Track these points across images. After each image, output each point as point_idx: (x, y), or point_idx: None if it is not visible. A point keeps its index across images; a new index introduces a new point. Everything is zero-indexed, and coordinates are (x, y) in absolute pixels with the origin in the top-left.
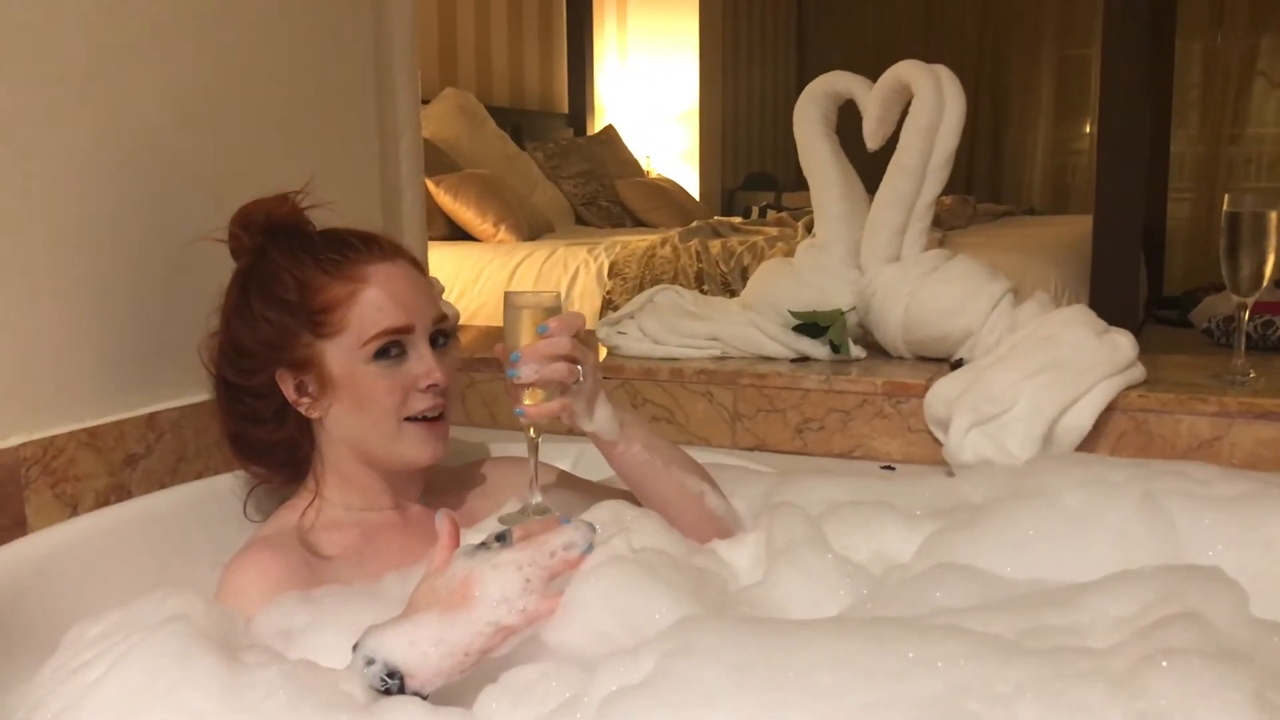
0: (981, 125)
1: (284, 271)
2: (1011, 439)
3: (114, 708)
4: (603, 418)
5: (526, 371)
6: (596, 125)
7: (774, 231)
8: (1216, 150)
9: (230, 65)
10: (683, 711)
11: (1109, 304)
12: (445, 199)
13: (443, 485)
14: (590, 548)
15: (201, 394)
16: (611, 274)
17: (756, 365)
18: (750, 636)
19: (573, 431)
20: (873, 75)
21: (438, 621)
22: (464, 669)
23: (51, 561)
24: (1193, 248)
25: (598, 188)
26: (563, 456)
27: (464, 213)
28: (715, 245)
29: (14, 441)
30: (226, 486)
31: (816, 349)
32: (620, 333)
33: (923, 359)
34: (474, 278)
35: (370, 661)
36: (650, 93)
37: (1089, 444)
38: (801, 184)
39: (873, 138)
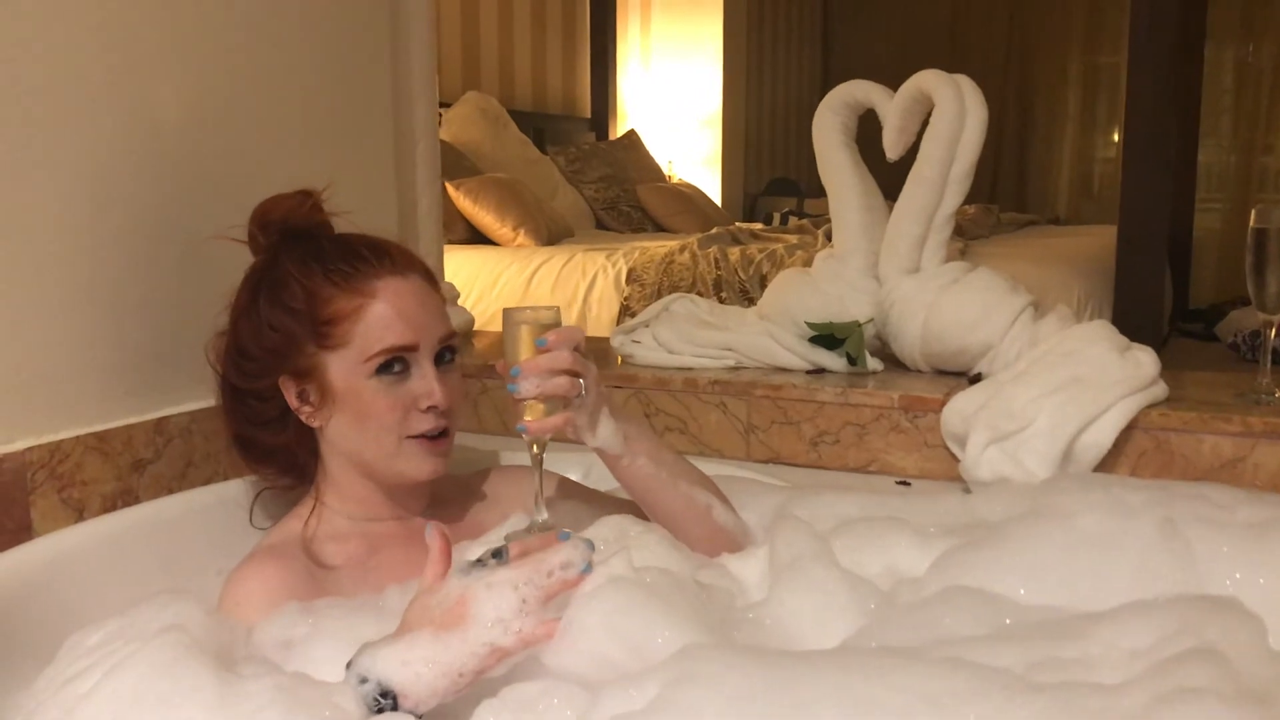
0: (1007, 133)
1: (293, 279)
2: (1030, 456)
3: (103, 718)
4: (606, 431)
5: (527, 386)
6: (619, 130)
7: (794, 239)
8: (1248, 160)
9: (246, 68)
10: None
11: (1132, 316)
12: (465, 203)
13: (449, 496)
14: (589, 567)
15: (211, 399)
16: (629, 280)
17: (771, 376)
18: (754, 667)
19: (578, 443)
20: (898, 83)
21: (431, 641)
22: (458, 690)
23: (56, 567)
24: (1223, 259)
25: (619, 192)
26: (573, 468)
27: (483, 217)
28: (734, 253)
29: (20, 445)
30: (234, 493)
31: (833, 361)
32: (635, 341)
33: (941, 372)
34: (492, 282)
35: (364, 680)
36: (673, 97)
37: (1109, 463)
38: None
39: (893, 148)
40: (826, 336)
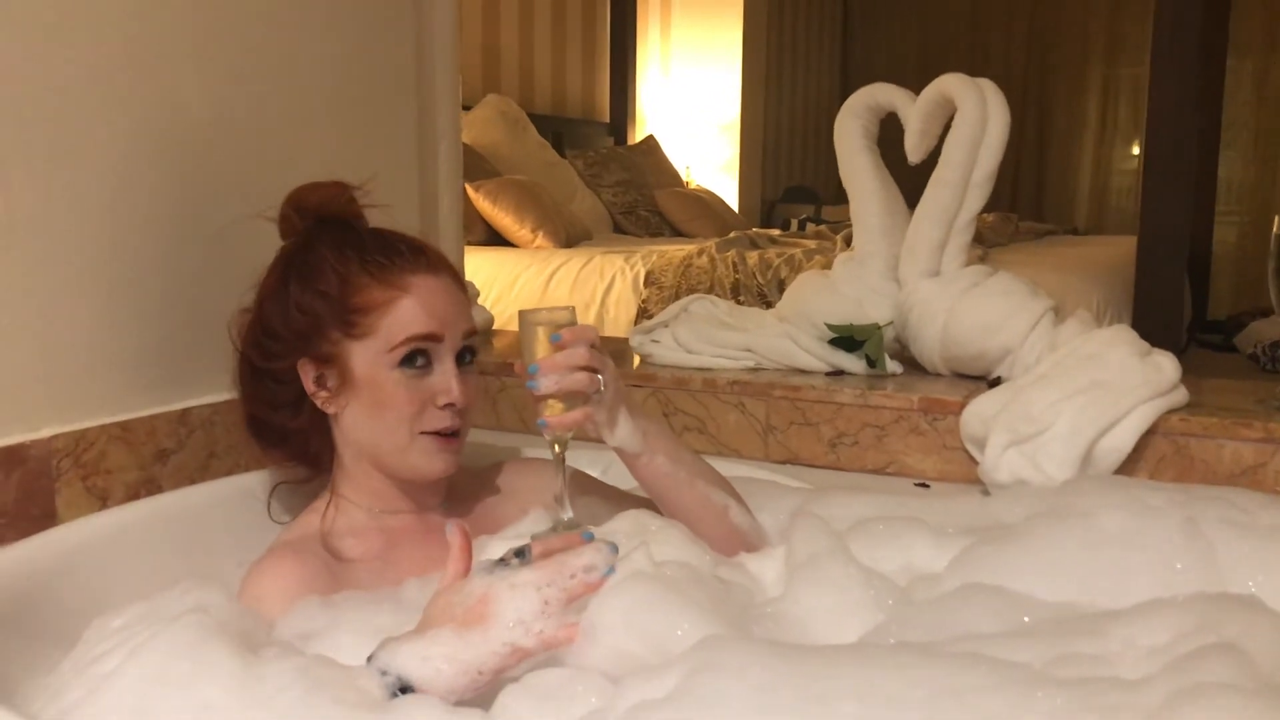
0: (1026, 143)
1: (327, 265)
2: (1049, 460)
3: (127, 699)
4: (625, 428)
5: (546, 382)
6: (637, 135)
7: (812, 244)
8: (1265, 173)
9: (270, 64)
10: None
11: (1152, 326)
12: (484, 204)
13: (466, 489)
14: (612, 570)
15: (233, 391)
16: (648, 283)
17: (790, 377)
18: (775, 659)
19: (597, 441)
20: (916, 89)
21: (452, 638)
22: (477, 687)
23: (80, 553)
24: (1241, 271)
25: (637, 197)
26: (591, 465)
27: (502, 218)
28: (752, 256)
29: (46, 433)
30: (255, 484)
31: (852, 363)
32: (654, 341)
33: (960, 376)
34: (510, 283)
35: (384, 674)
36: (692, 103)
37: (1128, 467)
38: (841, 197)
39: (914, 151)
40: (846, 339)
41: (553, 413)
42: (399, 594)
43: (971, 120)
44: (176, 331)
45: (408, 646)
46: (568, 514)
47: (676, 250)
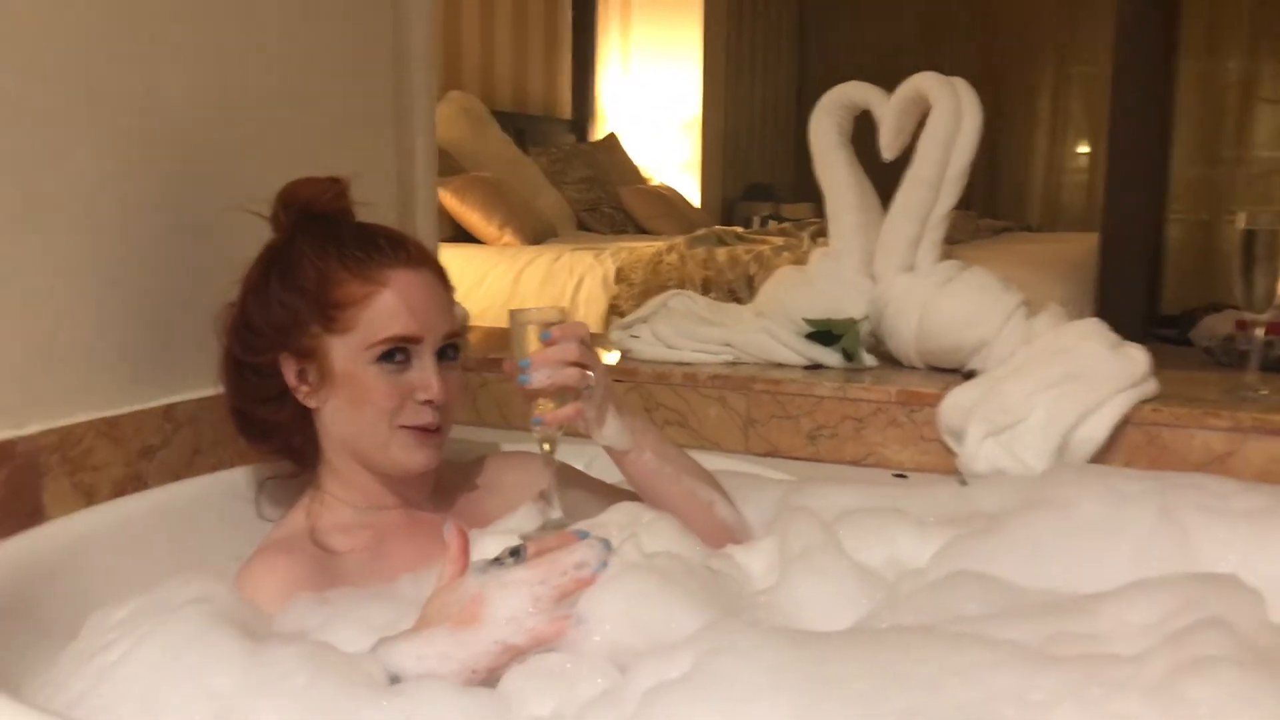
0: (981, 141)
1: (306, 260)
2: (1026, 450)
3: (132, 688)
4: (614, 424)
5: (539, 376)
6: (599, 132)
7: (779, 241)
8: (1208, 172)
9: (253, 59)
10: (724, 708)
11: (1114, 320)
12: (451, 201)
13: (452, 484)
14: (605, 566)
15: (218, 387)
16: (618, 280)
17: (770, 371)
18: (783, 642)
19: (584, 437)
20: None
21: (447, 638)
22: (471, 685)
23: (72, 549)
24: (1186, 269)
25: (600, 194)
26: (577, 458)
27: (469, 215)
28: (722, 253)
29: (33, 429)
30: (242, 480)
31: (829, 357)
32: (634, 336)
33: (935, 369)
34: (479, 280)
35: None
36: (652, 101)
37: (1102, 457)
38: (800, 195)
39: (888, 149)
40: (824, 333)
41: (544, 409)
42: (393, 589)
43: (946, 118)
44: (161, 327)
45: (403, 645)
46: (556, 513)
47: (646, 247)
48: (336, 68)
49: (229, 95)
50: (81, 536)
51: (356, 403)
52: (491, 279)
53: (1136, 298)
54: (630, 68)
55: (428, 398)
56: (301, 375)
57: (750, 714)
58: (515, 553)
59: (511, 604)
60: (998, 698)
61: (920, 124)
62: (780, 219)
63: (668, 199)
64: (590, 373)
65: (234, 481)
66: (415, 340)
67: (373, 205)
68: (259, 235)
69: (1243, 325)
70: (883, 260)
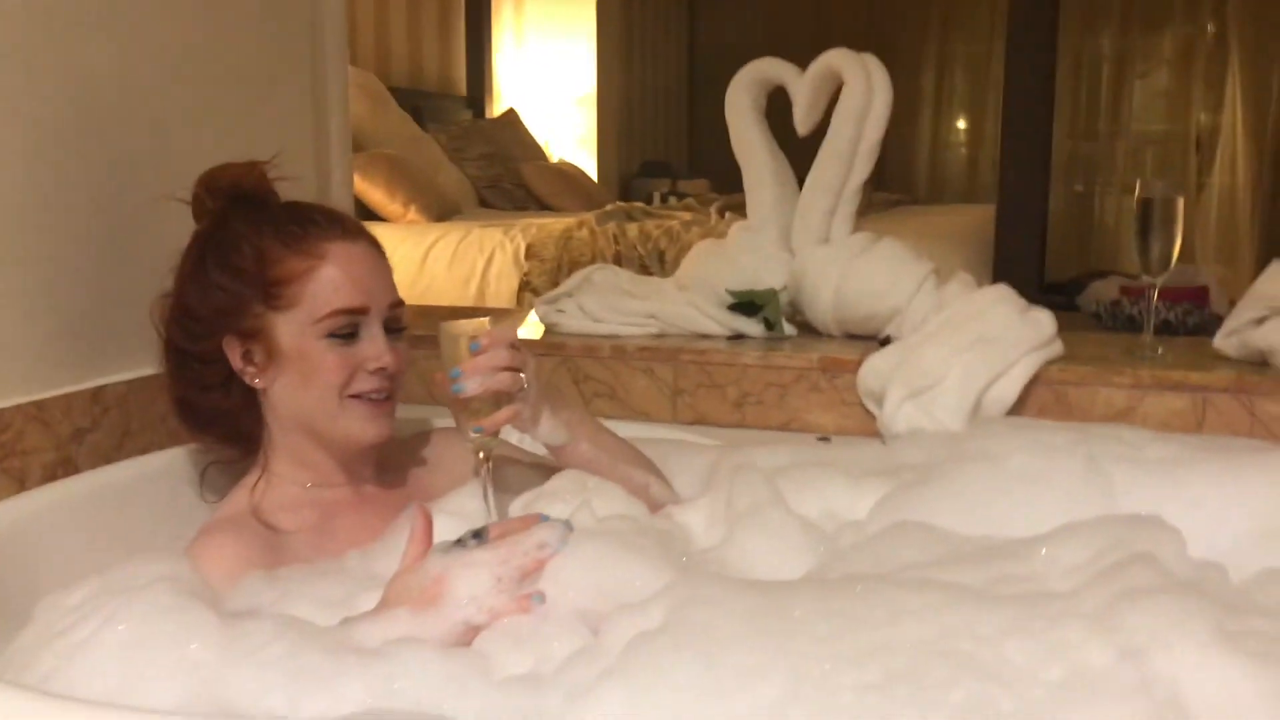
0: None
1: (243, 240)
2: (942, 410)
3: (110, 662)
4: (548, 422)
5: (472, 385)
6: (495, 108)
7: (688, 216)
8: (1085, 146)
9: (174, 40)
10: (704, 652)
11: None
12: (354, 178)
13: (396, 461)
14: (565, 545)
15: (146, 368)
16: (528, 256)
17: (696, 342)
18: (749, 592)
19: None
20: None
21: (409, 619)
22: None
23: (10, 535)
24: (1064, 239)
25: (501, 171)
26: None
27: (373, 193)
28: (632, 229)
29: None
30: (179, 460)
31: (751, 327)
32: (559, 311)
33: (851, 337)
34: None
35: None
36: (547, 77)
37: (1013, 415)
38: (695, 172)
39: (803, 124)
40: (746, 304)
41: (481, 416)
42: (341, 565)
43: (858, 93)
44: (87, 309)
45: (366, 626)
46: (492, 518)
47: (555, 223)
48: (255, 46)
49: (153, 77)
50: (20, 521)
51: (307, 378)
52: (399, 257)
53: (1030, 266)
54: (525, 43)
55: (379, 365)
56: (247, 356)
57: (729, 657)
58: (477, 535)
59: (473, 584)
60: (950, 634)
61: (833, 100)
62: (680, 195)
63: (569, 175)
64: (523, 374)
65: (172, 462)
66: (362, 311)
67: (291, 184)
68: (184, 217)
69: (1127, 291)
70: (800, 233)
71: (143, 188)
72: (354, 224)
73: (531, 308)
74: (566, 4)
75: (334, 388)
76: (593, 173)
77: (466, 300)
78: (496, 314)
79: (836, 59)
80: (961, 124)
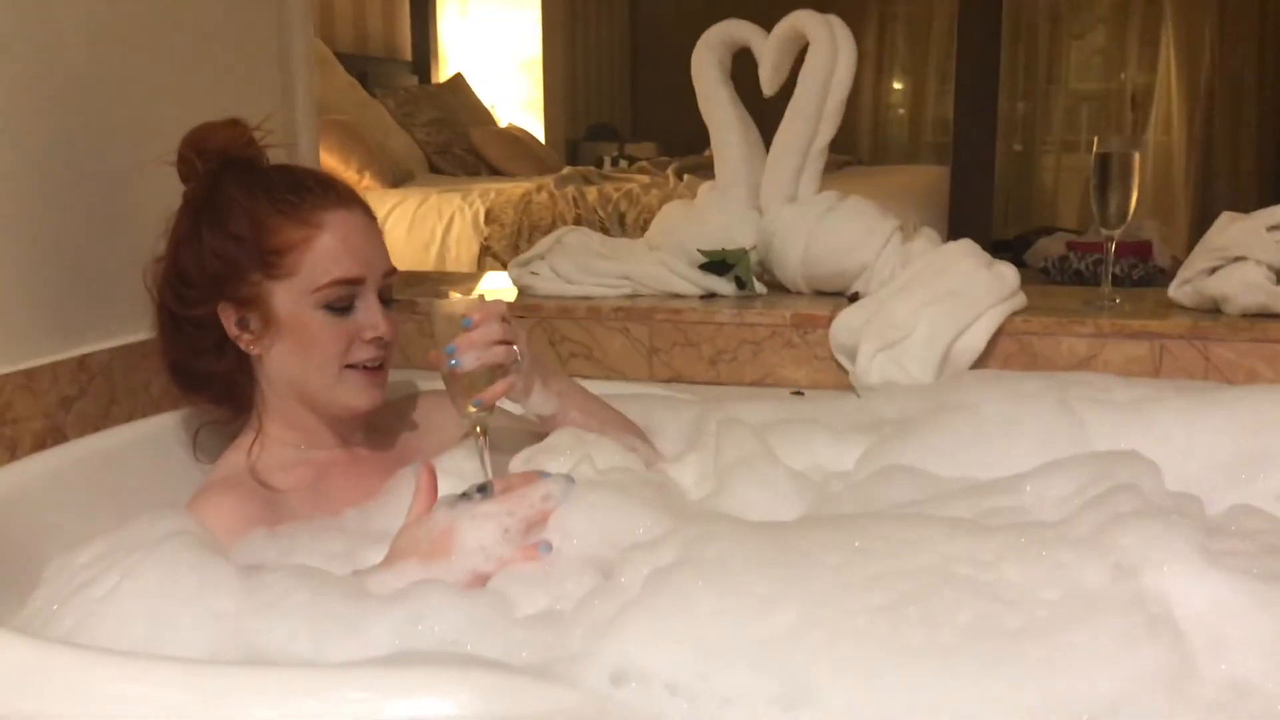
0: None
1: (238, 207)
2: (913, 362)
3: (135, 615)
4: (539, 394)
5: (468, 359)
6: (441, 73)
7: (645, 179)
8: (1023, 105)
9: (142, 6)
10: (724, 582)
11: None
12: None
13: (385, 423)
14: (568, 498)
15: (129, 336)
16: (488, 220)
17: (669, 301)
18: (757, 530)
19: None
20: (701, 29)
21: (419, 569)
22: None
23: (9, 501)
24: (1006, 196)
25: (451, 136)
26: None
27: (327, 159)
28: (591, 192)
29: None
30: (175, 425)
31: (723, 285)
32: (533, 273)
33: (820, 293)
34: None
35: None
36: (492, 41)
37: (981, 365)
38: (641, 136)
39: (769, 84)
40: (717, 263)
41: (477, 390)
42: (340, 523)
43: (823, 54)
44: (71, 277)
45: (376, 578)
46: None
47: (514, 188)
48: (223, 13)
49: (126, 45)
50: (21, 487)
51: (304, 347)
52: None
53: (983, 224)
54: (469, 6)
55: (375, 335)
56: (242, 323)
57: (745, 587)
58: (482, 489)
59: (481, 535)
60: (952, 561)
61: (798, 61)
62: (630, 159)
63: (520, 140)
64: (515, 347)
65: (165, 427)
66: (359, 281)
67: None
68: (164, 183)
69: (1073, 246)
70: (768, 192)
71: (118, 156)
72: (348, 190)
73: (488, 271)
74: None
75: (332, 358)
76: (540, 137)
77: (427, 265)
78: (454, 277)
79: (801, 20)
80: (903, 85)
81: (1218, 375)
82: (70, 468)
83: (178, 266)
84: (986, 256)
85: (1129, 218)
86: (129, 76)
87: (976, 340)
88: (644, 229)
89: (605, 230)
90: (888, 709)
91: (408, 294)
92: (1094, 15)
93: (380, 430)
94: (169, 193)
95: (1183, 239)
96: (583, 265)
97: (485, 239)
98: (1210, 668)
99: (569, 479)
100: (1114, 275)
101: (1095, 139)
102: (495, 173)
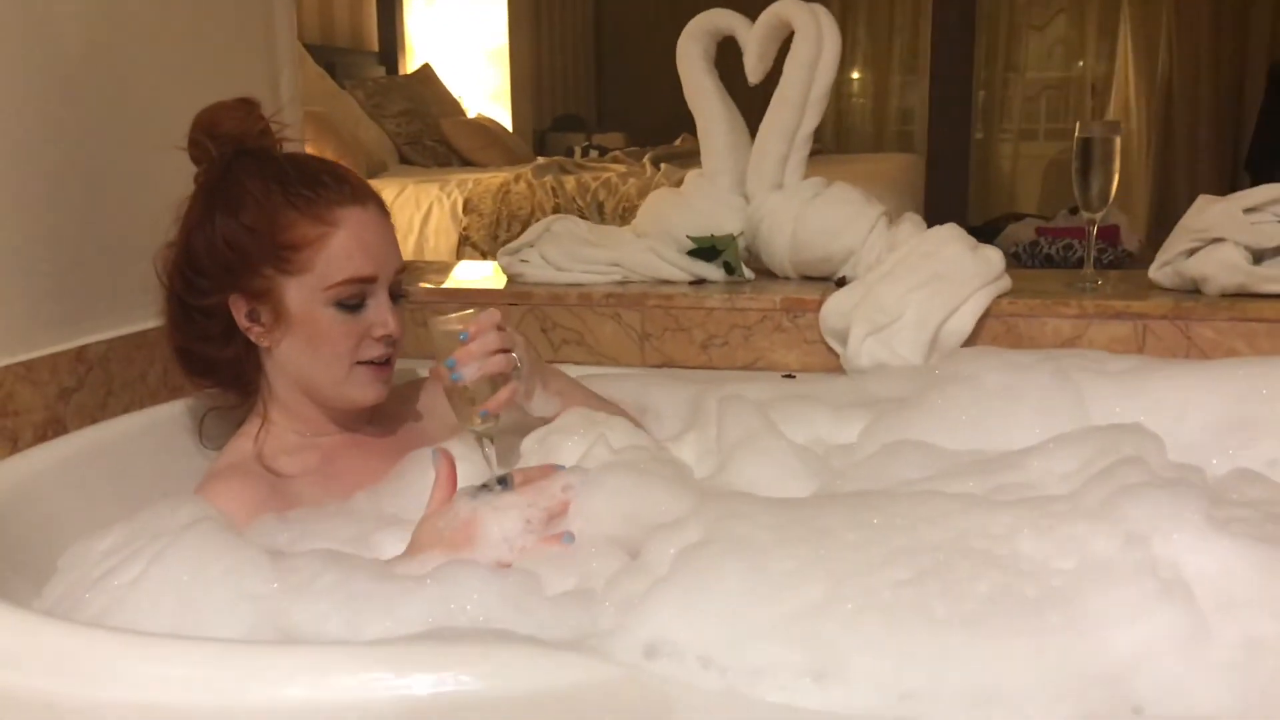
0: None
1: (251, 199)
2: (903, 345)
3: (166, 598)
4: (540, 396)
5: (470, 371)
6: (408, 64)
7: (622, 168)
8: (982, 94)
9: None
10: (751, 559)
11: None
12: None
13: (390, 408)
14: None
15: (125, 327)
16: (467, 210)
17: (661, 288)
18: (775, 508)
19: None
20: (667, 18)
21: (442, 560)
22: None
23: (20, 491)
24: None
25: (421, 127)
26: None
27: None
28: (569, 181)
29: None
30: (178, 413)
31: (712, 271)
32: (523, 261)
33: (807, 279)
34: None
35: None
36: (459, 31)
37: (969, 346)
38: (606, 125)
39: (754, 72)
40: (706, 249)
41: (482, 400)
42: (350, 506)
43: (809, 41)
44: (68, 267)
45: (400, 569)
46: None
47: (492, 178)
48: (214, 4)
49: (119, 36)
50: (29, 478)
51: (314, 343)
52: None
53: (960, 209)
54: None
55: (385, 333)
56: (253, 316)
57: (772, 564)
58: (503, 481)
59: (505, 525)
60: (967, 535)
61: (782, 49)
62: (601, 149)
63: (490, 130)
64: (514, 354)
65: (166, 416)
66: (372, 279)
67: (294, 140)
68: (160, 172)
69: (1043, 232)
70: (754, 179)
71: (114, 148)
72: (362, 185)
73: (466, 261)
74: None
75: (342, 355)
76: (507, 127)
77: (405, 256)
78: (432, 265)
79: (786, 9)
80: (863, 75)
81: (1199, 354)
82: (76, 457)
83: (189, 252)
84: (972, 240)
85: (1110, 200)
86: (125, 68)
87: (964, 322)
88: (623, 218)
89: (584, 218)
90: (916, 677)
91: None
92: (1055, 5)
93: (385, 415)
94: (164, 182)
95: (1142, 224)
96: (572, 253)
97: (464, 229)
98: (1224, 629)
99: (586, 473)
100: (1083, 259)
101: (1077, 124)
102: (466, 163)
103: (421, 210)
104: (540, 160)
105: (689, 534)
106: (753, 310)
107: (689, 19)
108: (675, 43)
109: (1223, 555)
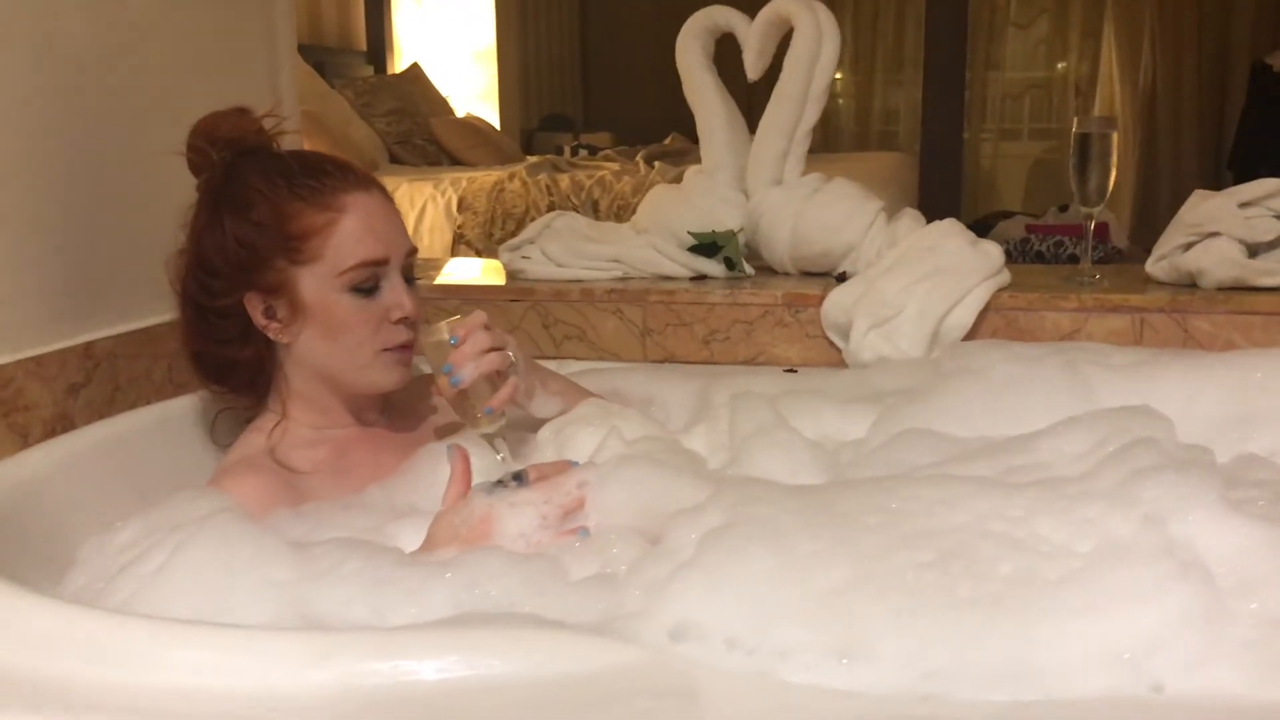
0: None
1: (257, 194)
2: (904, 339)
3: (191, 588)
4: (540, 396)
5: (467, 372)
6: (396, 63)
7: (616, 166)
8: (975, 98)
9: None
10: (774, 542)
11: None
12: None
13: (400, 402)
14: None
15: (131, 323)
16: (461, 209)
17: (662, 283)
18: (796, 494)
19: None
20: (653, 16)
21: (459, 555)
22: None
23: (34, 486)
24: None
25: (411, 126)
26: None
27: None
28: (563, 179)
29: None
30: (187, 408)
31: (712, 267)
32: (524, 258)
33: (807, 274)
34: None
35: None
36: (447, 31)
37: (969, 339)
38: (594, 125)
39: (753, 69)
40: (707, 245)
41: (484, 398)
42: (363, 500)
43: (808, 39)
44: (76, 264)
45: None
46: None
47: (486, 176)
48: (217, 6)
49: (125, 37)
50: (41, 473)
51: (334, 332)
52: None
53: (954, 206)
54: None
55: (403, 315)
56: (269, 312)
57: (796, 546)
58: (517, 477)
59: (521, 521)
60: (984, 518)
61: (781, 46)
62: (590, 148)
63: (480, 130)
64: (508, 351)
65: (176, 411)
66: (383, 262)
67: (293, 132)
68: (166, 170)
69: (1033, 229)
70: (754, 175)
71: (122, 148)
72: (364, 173)
73: (460, 258)
74: None
75: (364, 341)
76: (496, 126)
77: None
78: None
79: (786, 6)
80: (849, 76)
81: (1195, 346)
82: (87, 452)
83: (201, 257)
84: (971, 235)
85: (1107, 195)
86: (131, 67)
87: (965, 316)
88: (618, 215)
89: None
90: (941, 656)
91: None
92: (1038, 5)
93: (396, 408)
94: (168, 180)
95: (1126, 222)
96: (573, 249)
97: (459, 227)
98: (1242, 608)
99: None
100: (1073, 255)
101: (1075, 119)
102: (456, 162)
103: (415, 209)
104: (533, 159)
105: (711, 519)
106: (754, 305)
107: (675, 20)
108: (661, 43)
109: (1239, 536)
